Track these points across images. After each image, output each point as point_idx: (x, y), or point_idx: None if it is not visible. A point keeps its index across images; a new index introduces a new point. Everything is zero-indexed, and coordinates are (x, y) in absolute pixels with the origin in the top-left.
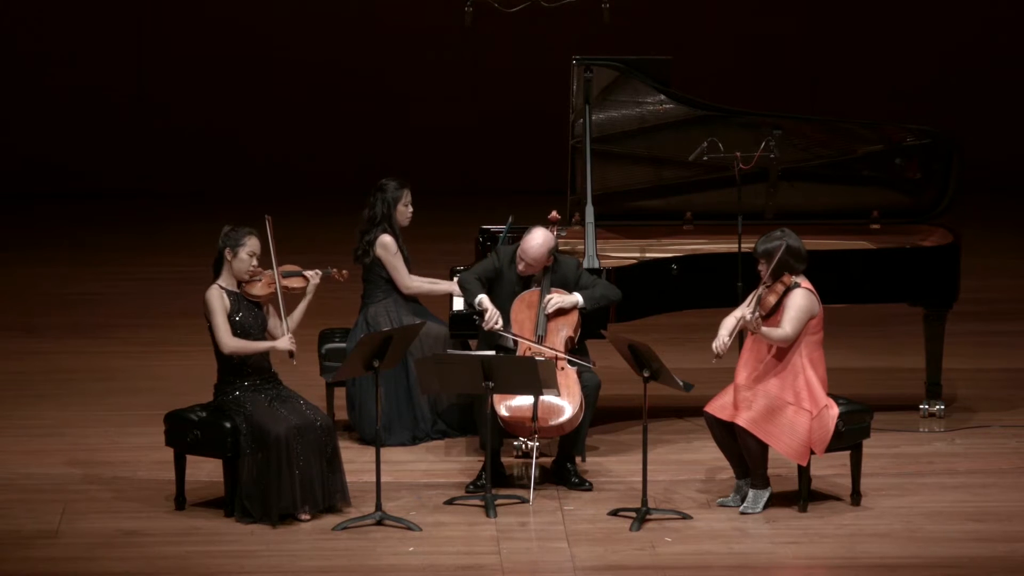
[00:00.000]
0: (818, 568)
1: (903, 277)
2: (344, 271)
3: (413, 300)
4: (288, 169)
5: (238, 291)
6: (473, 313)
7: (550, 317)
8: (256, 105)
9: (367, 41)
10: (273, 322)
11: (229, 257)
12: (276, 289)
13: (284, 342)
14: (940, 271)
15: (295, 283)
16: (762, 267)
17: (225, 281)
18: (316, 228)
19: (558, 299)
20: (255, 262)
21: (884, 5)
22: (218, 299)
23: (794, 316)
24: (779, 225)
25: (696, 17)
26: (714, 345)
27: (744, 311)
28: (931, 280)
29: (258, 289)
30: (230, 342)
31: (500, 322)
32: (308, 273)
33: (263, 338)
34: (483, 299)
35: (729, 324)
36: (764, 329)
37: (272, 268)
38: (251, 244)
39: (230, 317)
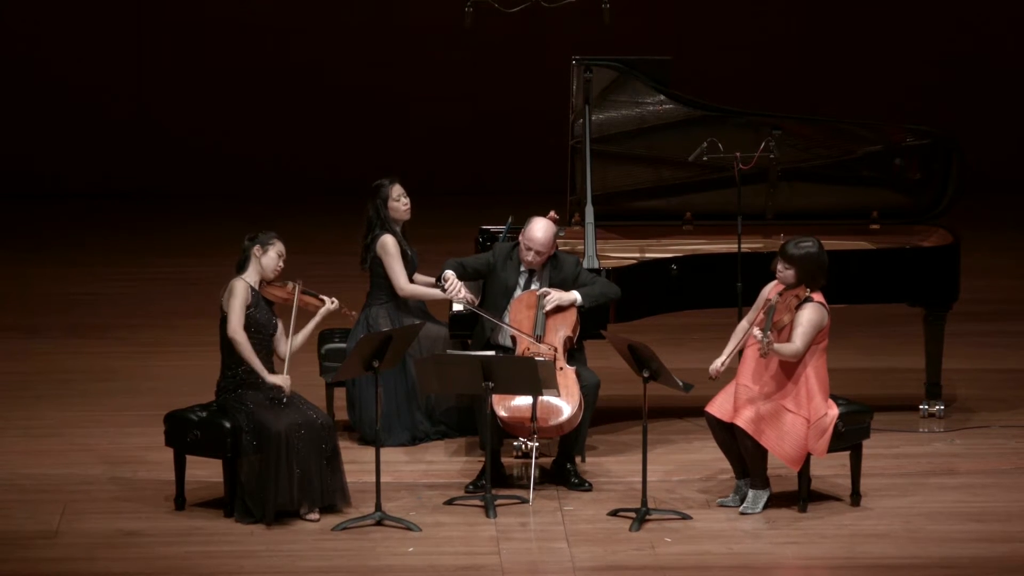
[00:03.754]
0: (818, 568)
1: (903, 277)
2: (353, 312)
3: (416, 305)
4: (288, 170)
5: (258, 289)
6: (444, 290)
7: (548, 315)
8: (256, 106)
9: (367, 41)
10: (281, 332)
11: (259, 254)
12: (294, 297)
13: (278, 377)
14: (940, 271)
15: (311, 301)
16: (783, 269)
17: (250, 277)
18: (316, 230)
19: (556, 296)
20: (282, 263)
21: (884, 5)
22: (243, 290)
23: (805, 331)
24: (796, 228)
25: (697, 18)
26: (711, 368)
27: (754, 329)
28: (931, 280)
29: (278, 291)
30: (241, 334)
31: (463, 293)
32: (325, 297)
33: (270, 342)
34: (448, 273)
35: (733, 342)
36: (776, 346)
37: (295, 281)
38: (280, 246)
39: (249, 311)
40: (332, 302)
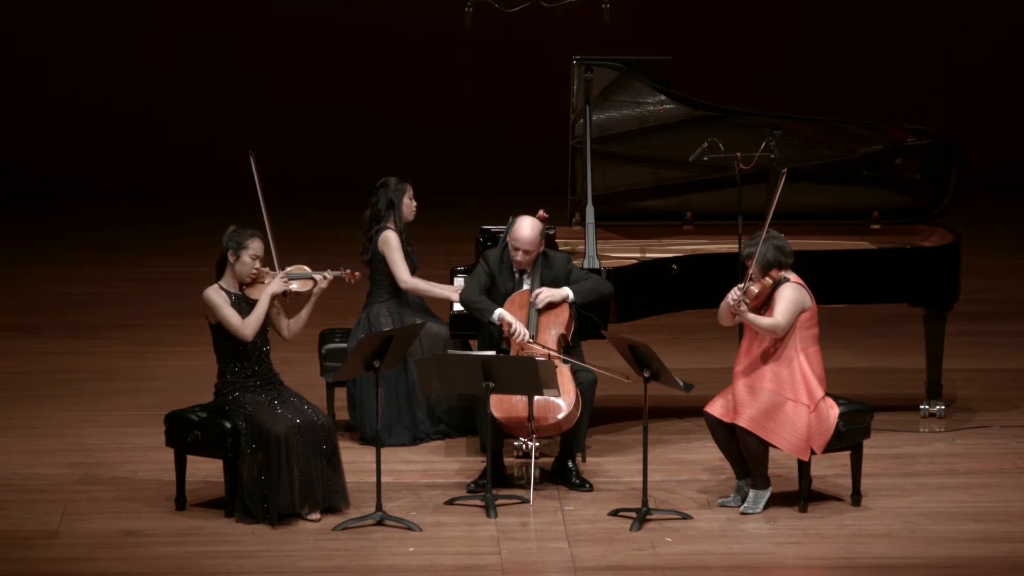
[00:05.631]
0: (818, 568)
1: (903, 277)
2: (357, 273)
3: (417, 302)
4: (288, 170)
5: (239, 292)
6: (491, 327)
7: (541, 312)
8: (255, 106)
9: (367, 41)
10: (282, 322)
11: (232, 260)
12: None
13: (276, 284)
14: (940, 271)
15: (301, 286)
16: (752, 269)
17: (227, 283)
18: (315, 229)
19: (547, 293)
20: (258, 264)
21: (884, 5)
22: (216, 294)
23: (784, 308)
24: (782, 227)
25: (697, 18)
26: (729, 298)
27: (731, 293)
28: (931, 280)
29: (260, 292)
30: (245, 328)
31: (527, 335)
32: (317, 276)
33: (263, 340)
34: (503, 314)
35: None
36: (750, 316)
37: (275, 268)
38: (254, 247)
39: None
40: (325, 279)
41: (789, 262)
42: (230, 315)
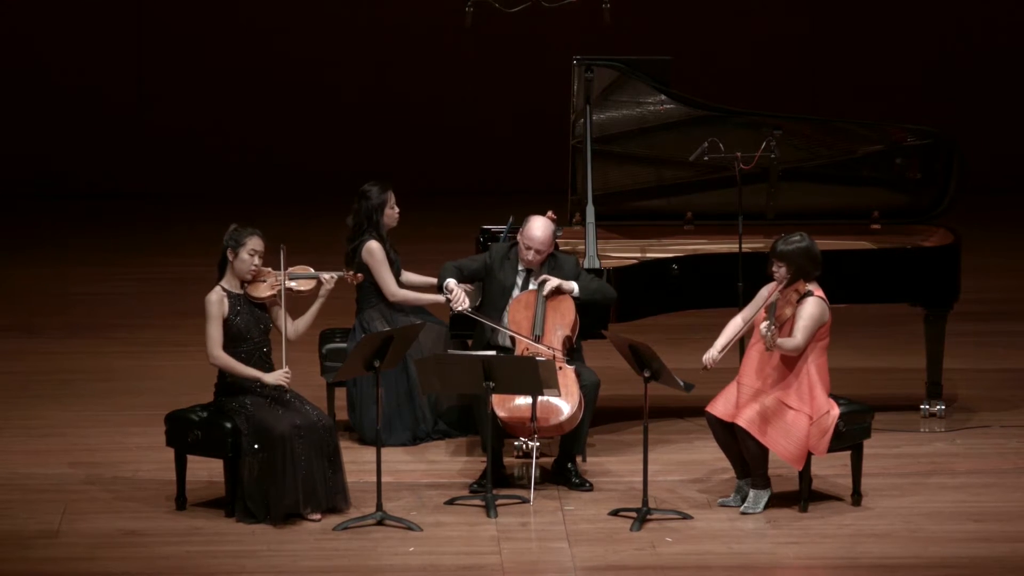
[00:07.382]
0: (819, 568)
1: (903, 277)
2: (359, 274)
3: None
4: (287, 170)
5: (241, 292)
6: (448, 300)
7: (548, 300)
8: (256, 106)
9: (367, 41)
10: (281, 322)
11: (231, 257)
12: (280, 291)
13: (277, 375)
14: (940, 271)
15: (303, 286)
16: (777, 268)
17: (228, 282)
18: (314, 229)
19: (554, 280)
20: (257, 261)
21: (884, 5)
22: (216, 305)
23: (805, 326)
24: (794, 227)
25: (697, 18)
26: (704, 357)
27: (760, 325)
28: (931, 280)
29: (261, 291)
30: (218, 356)
31: (467, 303)
32: (325, 276)
33: (263, 341)
34: (449, 282)
35: (727, 335)
36: (780, 341)
37: (280, 268)
38: (252, 243)
39: (228, 320)
40: (331, 279)
41: (816, 273)
42: (214, 335)
